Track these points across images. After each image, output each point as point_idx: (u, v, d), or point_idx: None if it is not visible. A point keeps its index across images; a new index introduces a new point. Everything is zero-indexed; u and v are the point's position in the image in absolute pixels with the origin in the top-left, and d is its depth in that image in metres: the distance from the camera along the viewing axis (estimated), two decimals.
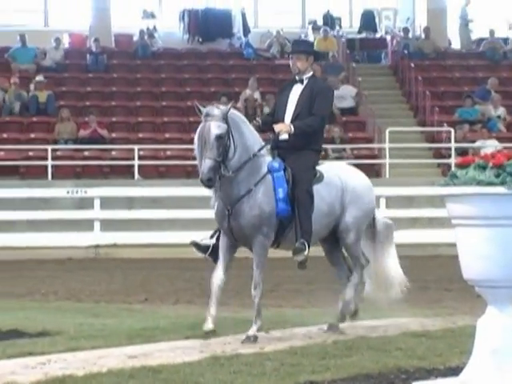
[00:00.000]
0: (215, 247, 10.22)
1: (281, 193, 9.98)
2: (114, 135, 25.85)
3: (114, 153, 25.25)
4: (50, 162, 24.08)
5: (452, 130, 25.96)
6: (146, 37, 30.31)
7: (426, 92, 28.12)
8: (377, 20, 33.40)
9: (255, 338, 9.77)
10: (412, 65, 29.49)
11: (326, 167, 10.68)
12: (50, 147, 24.32)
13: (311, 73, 10.59)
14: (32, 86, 26.77)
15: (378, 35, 33.01)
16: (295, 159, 10.25)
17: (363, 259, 10.80)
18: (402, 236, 22.50)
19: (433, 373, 7.97)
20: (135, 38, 30.56)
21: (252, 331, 9.85)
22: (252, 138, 10.14)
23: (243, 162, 9.97)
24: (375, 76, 30.55)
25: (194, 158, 25.76)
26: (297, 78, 10.53)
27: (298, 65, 10.47)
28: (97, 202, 22.93)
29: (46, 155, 24.13)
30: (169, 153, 25.35)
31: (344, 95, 28.02)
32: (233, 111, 10.10)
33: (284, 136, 10.28)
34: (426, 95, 28.05)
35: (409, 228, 22.82)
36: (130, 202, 23.33)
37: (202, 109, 9.95)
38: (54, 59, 28.75)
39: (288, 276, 17.28)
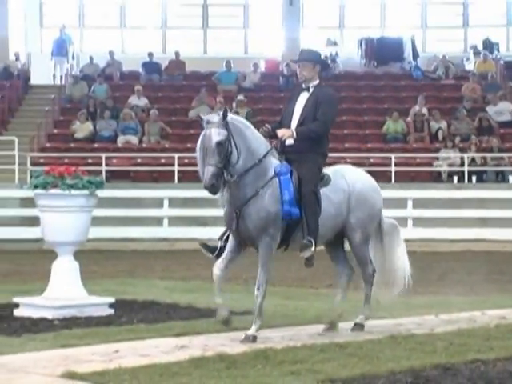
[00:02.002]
0: (222, 249, 9.12)
1: (287, 195, 8.87)
2: None
3: None
4: None
5: None
6: (329, 61, 30.35)
7: None
8: None
9: (254, 338, 8.65)
10: None
11: (333, 170, 9.51)
12: None
13: (317, 81, 9.43)
14: (234, 104, 27.14)
15: None
16: (301, 162, 9.10)
17: (371, 268, 9.61)
18: None
19: None
20: None
21: (251, 331, 8.75)
22: (256, 142, 8.96)
23: (249, 167, 8.84)
24: None
25: (370, 165, 25.75)
26: (303, 86, 9.44)
27: (304, 73, 9.37)
28: None
29: None
30: (348, 160, 25.28)
31: (502, 110, 27.43)
32: (233, 117, 9.02)
33: (289, 141, 9.16)
34: None
35: None
36: None
37: (202, 117, 8.94)
38: (253, 81, 29.13)
39: (452, 268, 17.08)
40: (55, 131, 26.91)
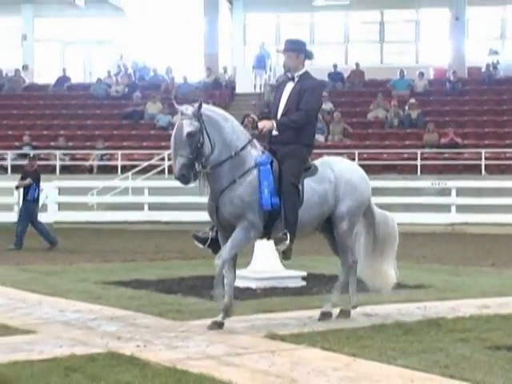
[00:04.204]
0: (213, 239, 7.88)
1: (266, 185, 7.61)
2: (466, 142, 25.27)
3: (466, 155, 24.70)
4: (419, 162, 23.96)
5: None
6: (491, 68, 29.39)
7: None
8: None
9: (221, 325, 7.62)
10: None
11: (321, 161, 8.24)
12: (419, 151, 24.20)
13: (303, 70, 8.10)
14: (406, 107, 26.77)
15: None
16: (284, 153, 7.84)
17: (351, 258, 8.20)
18: None
19: None
20: (483, 70, 29.73)
21: (219, 318, 7.67)
22: (234, 133, 7.73)
23: (224, 159, 7.62)
24: None
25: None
26: (289, 75, 8.16)
27: (288, 63, 8.13)
28: (453, 192, 22.62)
29: (416, 157, 24.06)
30: (508, 155, 24.48)
31: None
32: (212, 108, 7.83)
33: (275, 132, 7.93)
34: None
35: None
36: (478, 192, 22.75)
37: (178, 108, 7.65)
38: (421, 87, 28.58)
39: None
40: (256, 131, 27.30)
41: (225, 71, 30.97)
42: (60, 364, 6.12)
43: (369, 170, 23.86)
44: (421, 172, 23.93)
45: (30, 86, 31.25)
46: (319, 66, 30.63)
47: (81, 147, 26.21)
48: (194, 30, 32.28)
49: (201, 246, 7.96)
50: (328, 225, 8.19)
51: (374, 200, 24.66)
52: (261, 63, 30.34)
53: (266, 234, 7.84)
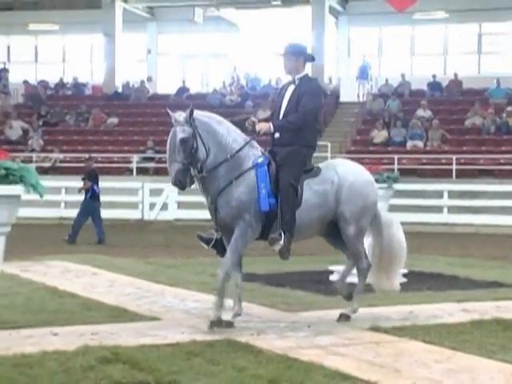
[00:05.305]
0: (218, 240, 7.42)
1: (264, 187, 7.14)
2: None
3: None
4: None
5: None
6: None
7: None
8: None
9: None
10: None
11: (326, 163, 7.77)
12: None
13: (303, 73, 7.61)
14: (504, 115, 26.04)
15: None
16: (283, 154, 7.34)
17: (366, 262, 7.68)
18: None
19: None
20: None
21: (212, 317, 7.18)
22: (229, 136, 7.25)
23: (220, 161, 7.18)
24: None
25: None
26: (290, 78, 7.66)
27: (288, 65, 7.61)
28: None
29: None
30: None
31: None
32: (204, 114, 7.34)
33: (277, 134, 7.45)
34: None
35: None
36: None
37: (172, 115, 7.29)
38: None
39: None
40: (358, 137, 27.13)
41: (330, 81, 30.87)
42: (182, 349, 6.24)
43: (466, 174, 23.70)
44: None
45: (154, 95, 31.96)
46: (419, 76, 30.30)
47: None
48: (303, 43, 32.32)
49: (205, 246, 7.49)
50: (331, 228, 7.62)
51: (471, 203, 24.06)
52: (364, 74, 30.17)
53: (264, 235, 7.34)
